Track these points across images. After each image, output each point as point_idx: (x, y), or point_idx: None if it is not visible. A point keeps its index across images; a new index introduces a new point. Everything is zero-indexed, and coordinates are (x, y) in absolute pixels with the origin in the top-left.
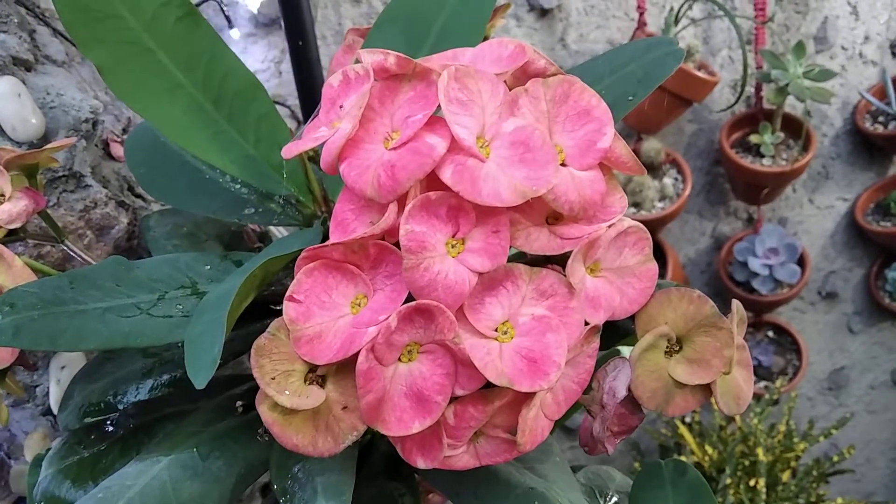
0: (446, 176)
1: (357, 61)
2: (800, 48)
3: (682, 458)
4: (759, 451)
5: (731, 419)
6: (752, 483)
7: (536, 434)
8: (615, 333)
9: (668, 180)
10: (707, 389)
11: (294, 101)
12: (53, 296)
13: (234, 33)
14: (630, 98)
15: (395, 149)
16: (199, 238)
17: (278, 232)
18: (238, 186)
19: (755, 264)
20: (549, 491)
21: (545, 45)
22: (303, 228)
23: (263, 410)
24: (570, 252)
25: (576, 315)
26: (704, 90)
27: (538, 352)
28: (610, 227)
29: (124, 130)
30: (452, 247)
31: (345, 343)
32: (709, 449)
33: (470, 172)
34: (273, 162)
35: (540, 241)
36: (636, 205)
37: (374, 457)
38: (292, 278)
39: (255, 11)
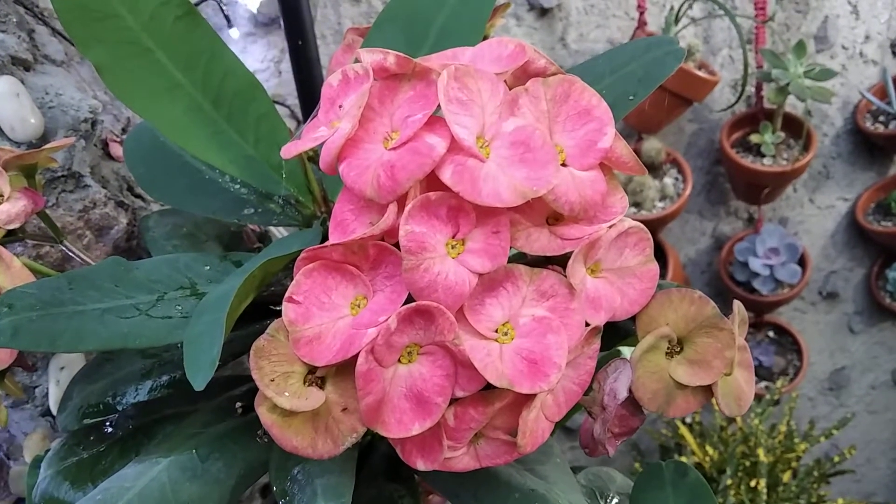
0: (446, 176)
1: (356, 60)
2: (800, 47)
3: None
4: (760, 451)
5: (731, 420)
6: (752, 484)
7: (537, 436)
8: (616, 334)
9: (668, 180)
10: (708, 391)
11: (294, 100)
12: (52, 297)
13: (234, 33)
14: (630, 97)
15: (394, 149)
16: (199, 238)
17: (278, 232)
18: (237, 186)
19: (756, 264)
20: (550, 493)
21: (545, 44)
22: (302, 229)
23: (262, 412)
24: (571, 253)
25: (576, 316)
26: (705, 90)
27: (539, 353)
28: (611, 227)
29: (123, 130)
30: (452, 247)
31: (344, 344)
32: (709, 449)
33: (470, 173)
34: (272, 162)
35: (540, 241)
36: (637, 205)
37: (374, 458)
38: (292, 279)
39: (255, 11)
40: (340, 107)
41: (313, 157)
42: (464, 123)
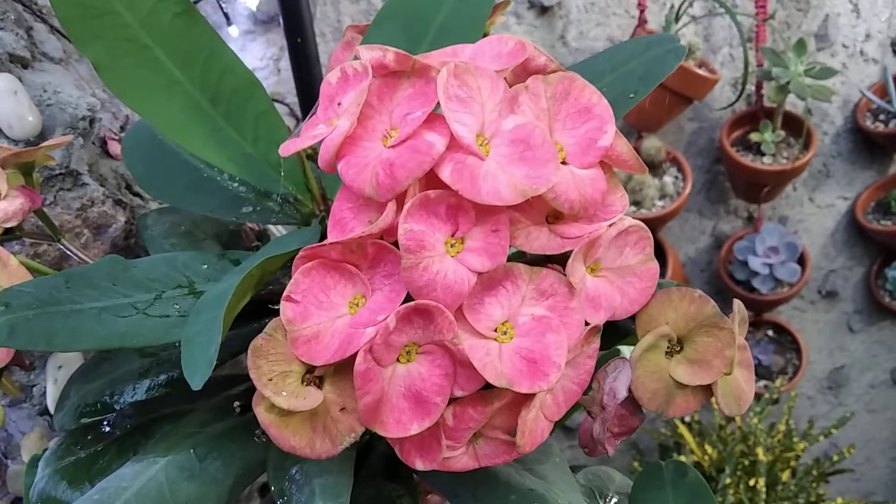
0: (445, 174)
1: (355, 58)
2: (801, 46)
3: (682, 458)
4: (759, 450)
5: (730, 419)
6: (751, 483)
7: (536, 435)
8: (615, 333)
9: (668, 179)
10: (708, 390)
11: (293, 98)
12: (49, 295)
13: (233, 30)
14: (631, 95)
15: (393, 147)
16: (197, 237)
17: (276, 230)
18: (236, 185)
19: (755, 263)
20: (549, 492)
21: (545, 42)
22: (301, 227)
23: (260, 412)
24: (571, 251)
25: (576, 315)
26: (705, 88)
27: (538, 352)
28: (611, 226)
29: (122, 128)
30: (451, 246)
31: (343, 343)
32: (708, 448)
33: (469, 171)
34: (271, 160)
35: (540, 240)
36: (636, 203)
37: (373, 458)
38: (290, 278)
39: (254, 8)
40: (339, 104)
41: (312, 155)
42: (463, 121)
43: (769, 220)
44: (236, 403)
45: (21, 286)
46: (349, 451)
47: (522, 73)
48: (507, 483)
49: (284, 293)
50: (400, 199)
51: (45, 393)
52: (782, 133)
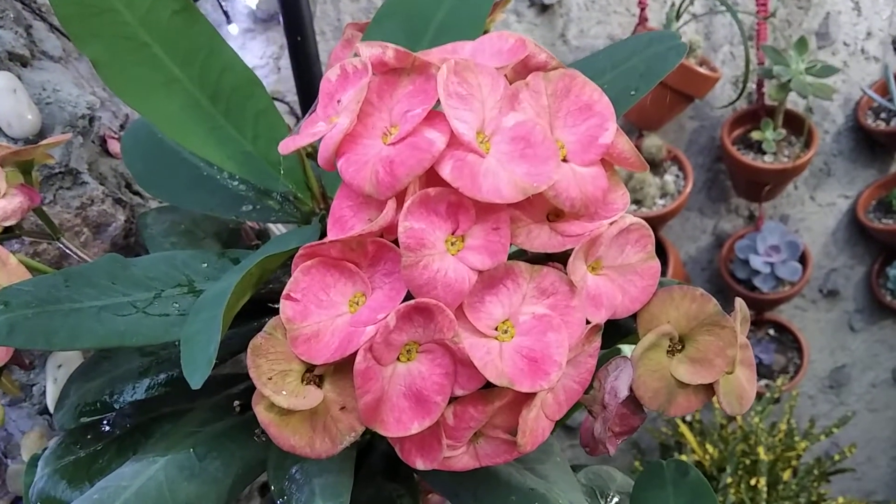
0: (446, 172)
1: (355, 55)
2: (802, 44)
3: (683, 457)
4: (760, 449)
5: (731, 418)
6: (753, 482)
7: (537, 435)
8: (617, 332)
9: (669, 177)
10: (710, 389)
11: (293, 97)
12: (48, 294)
13: (233, 29)
14: (632, 93)
15: (393, 144)
16: (197, 235)
17: (276, 229)
18: (236, 183)
19: (756, 262)
20: (550, 492)
21: (545, 40)
22: (301, 225)
23: (260, 411)
24: (572, 250)
25: (577, 314)
26: (706, 86)
27: (539, 351)
28: (612, 224)
29: (121, 127)
30: (452, 244)
31: (343, 342)
32: (709, 448)
33: (470, 168)
34: (271, 158)
35: (541, 238)
36: (637, 202)
37: (373, 457)
38: (290, 276)
39: (254, 7)
40: (339, 102)
41: (312, 153)
42: (463, 118)
43: (770, 219)
44: (236, 402)
45: (20, 285)
46: (349, 451)
47: (523, 70)
48: (508, 483)
49: (284, 291)
50: (400, 197)
51: (44, 392)
52: (783, 131)
